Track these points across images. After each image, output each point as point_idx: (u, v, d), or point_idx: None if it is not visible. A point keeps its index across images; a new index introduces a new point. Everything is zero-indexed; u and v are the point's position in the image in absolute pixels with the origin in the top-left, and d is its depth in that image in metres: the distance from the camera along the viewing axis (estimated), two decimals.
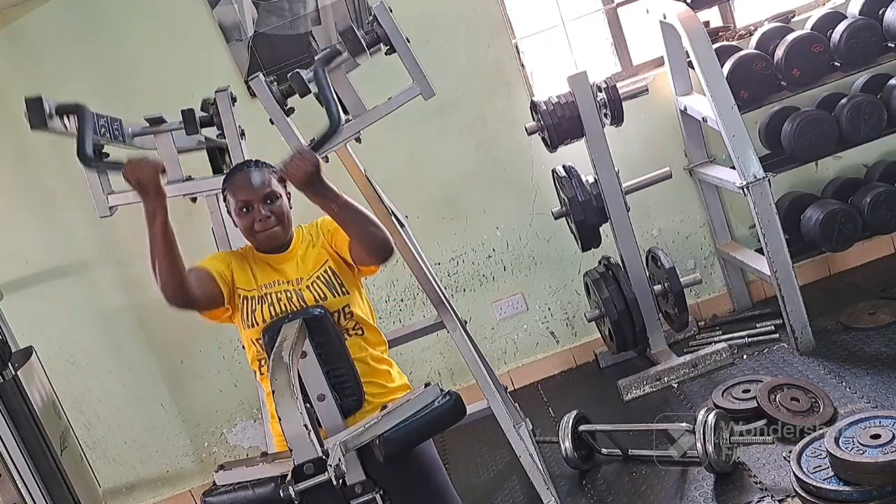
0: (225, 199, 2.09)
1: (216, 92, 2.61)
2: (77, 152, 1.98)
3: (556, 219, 3.55)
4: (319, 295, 2.01)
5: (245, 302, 2.04)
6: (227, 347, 3.83)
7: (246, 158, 2.25)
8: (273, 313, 2.00)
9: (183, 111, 2.61)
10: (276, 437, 2.14)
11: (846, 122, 3.42)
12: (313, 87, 2.53)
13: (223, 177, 2.12)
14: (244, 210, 2.01)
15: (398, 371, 2.17)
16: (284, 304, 2.01)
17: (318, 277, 2.04)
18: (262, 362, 2.04)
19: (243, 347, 2.20)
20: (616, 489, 2.89)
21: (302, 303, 2.00)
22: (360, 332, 2.07)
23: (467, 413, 2.00)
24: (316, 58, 2.39)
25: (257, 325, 2.01)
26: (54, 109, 1.95)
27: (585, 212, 3.40)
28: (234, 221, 2.08)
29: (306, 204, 1.93)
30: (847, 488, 2.20)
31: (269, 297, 2.02)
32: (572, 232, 3.59)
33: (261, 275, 2.06)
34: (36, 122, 1.91)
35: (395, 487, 2.00)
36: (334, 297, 2.02)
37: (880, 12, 3.43)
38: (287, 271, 2.06)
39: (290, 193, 2.08)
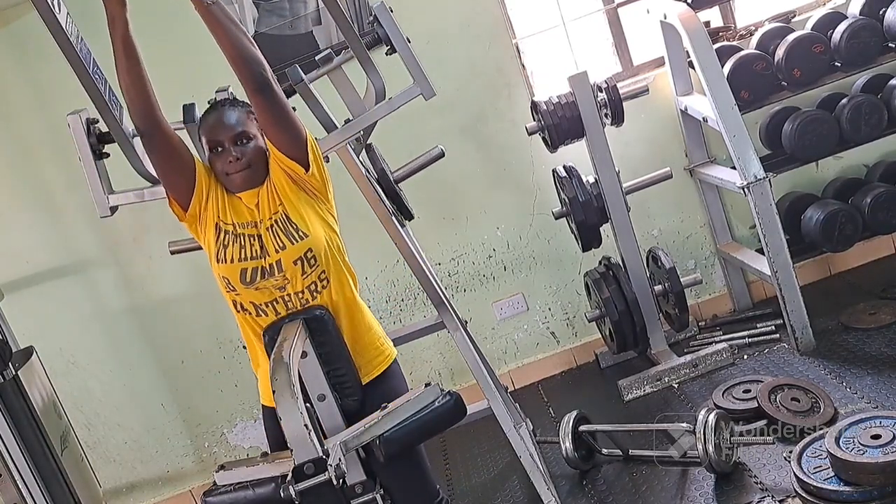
0: (200, 141, 2.06)
1: (216, 91, 2.60)
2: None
3: (556, 219, 3.55)
4: (279, 244, 1.98)
5: (221, 234, 2.02)
6: (228, 347, 3.83)
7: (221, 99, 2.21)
8: (242, 256, 1.98)
9: (184, 105, 2.62)
10: (261, 379, 2.11)
11: (847, 122, 3.41)
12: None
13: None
14: (215, 150, 1.99)
15: (373, 320, 2.16)
16: (248, 252, 1.99)
17: (274, 223, 2.00)
18: (236, 302, 2.03)
19: (244, 347, 2.19)
20: (616, 489, 2.89)
21: (264, 253, 1.98)
22: (325, 282, 2.02)
23: (467, 413, 2.00)
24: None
25: (225, 262, 1.99)
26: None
27: (586, 212, 3.40)
28: (209, 164, 2.05)
29: None
30: (847, 488, 2.20)
31: (241, 238, 2.00)
32: (573, 232, 3.59)
33: (234, 212, 2.03)
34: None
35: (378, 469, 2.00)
36: (293, 244, 1.98)
37: (881, 12, 3.43)
38: (251, 209, 2.02)
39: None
